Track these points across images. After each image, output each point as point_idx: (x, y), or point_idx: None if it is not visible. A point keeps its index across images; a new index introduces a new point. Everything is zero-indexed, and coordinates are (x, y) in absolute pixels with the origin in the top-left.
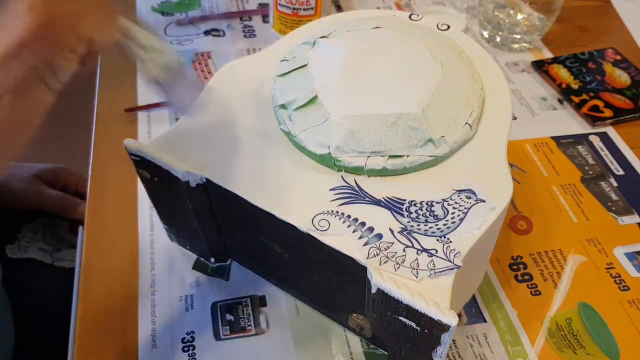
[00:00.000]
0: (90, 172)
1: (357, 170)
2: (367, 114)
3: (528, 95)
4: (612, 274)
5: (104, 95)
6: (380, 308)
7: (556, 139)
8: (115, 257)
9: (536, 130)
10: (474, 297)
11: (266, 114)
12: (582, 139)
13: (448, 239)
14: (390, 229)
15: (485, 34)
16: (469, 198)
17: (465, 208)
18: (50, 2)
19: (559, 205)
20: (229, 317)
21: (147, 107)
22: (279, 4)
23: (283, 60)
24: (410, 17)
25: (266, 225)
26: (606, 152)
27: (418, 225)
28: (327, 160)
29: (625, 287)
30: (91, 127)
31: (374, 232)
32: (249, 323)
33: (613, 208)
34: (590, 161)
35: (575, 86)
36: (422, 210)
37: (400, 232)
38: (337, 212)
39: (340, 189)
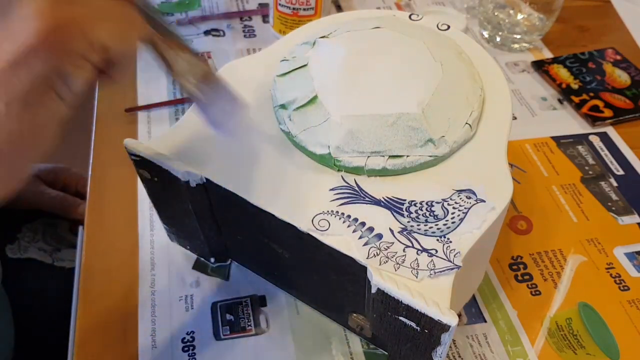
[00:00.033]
0: (90, 172)
1: (357, 170)
2: (367, 114)
3: (528, 95)
4: (612, 274)
5: (104, 95)
6: (380, 308)
7: (556, 139)
8: (115, 257)
9: (536, 130)
10: (474, 297)
11: (266, 114)
12: (582, 139)
13: (448, 239)
14: (390, 229)
15: (485, 34)
16: (469, 198)
17: (465, 208)
18: (58, 6)
19: (559, 205)
20: (229, 317)
21: (147, 107)
22: (279, 4)
23: (283, 60)
24: (410, 17)
25: (266, 225)
26: (606, 152)
27: (418, 225)
28: (327, 160)
29: (625, 287)
30: (91, 127)
31: (374, 232)
32: (249, 323)
33: (613, 208)
34: (590, 161)
35: (575, 86)
36: (422, 210)
37: (400, 232)
38: (337, 212)
39: (340, 189)
